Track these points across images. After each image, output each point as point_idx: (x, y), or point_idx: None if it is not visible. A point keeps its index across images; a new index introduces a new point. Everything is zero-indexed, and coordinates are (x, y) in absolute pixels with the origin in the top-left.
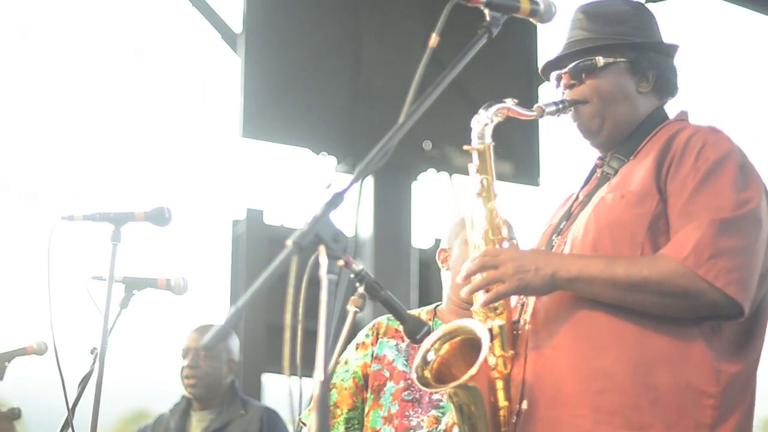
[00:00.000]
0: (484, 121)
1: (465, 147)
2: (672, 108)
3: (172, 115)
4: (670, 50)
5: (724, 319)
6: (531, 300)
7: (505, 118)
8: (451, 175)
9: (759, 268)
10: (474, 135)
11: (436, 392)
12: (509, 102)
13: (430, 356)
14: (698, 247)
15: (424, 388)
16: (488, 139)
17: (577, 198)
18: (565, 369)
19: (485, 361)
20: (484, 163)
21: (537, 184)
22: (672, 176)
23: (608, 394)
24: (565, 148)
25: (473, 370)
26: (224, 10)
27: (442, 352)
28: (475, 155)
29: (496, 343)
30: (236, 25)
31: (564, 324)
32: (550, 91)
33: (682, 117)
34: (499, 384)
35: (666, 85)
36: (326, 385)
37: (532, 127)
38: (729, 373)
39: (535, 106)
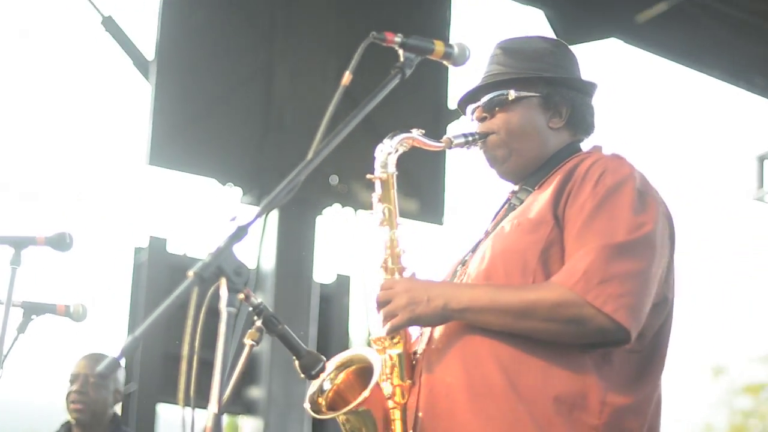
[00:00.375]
0: (387, 150)
1: (368, 176)
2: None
3: (77, 138)
4: (588, 88)
5: (611, 346)
6: (428, 330)
7: (410, 148)
8: (356, 210)
9: (652, 293)
10: (377, 164)
11: (327, 419)
12: (415, 132)
13: (326, 386)
14: (588, 272)
15: (315, 416)
16: (391, 169)
17: (486, 230)
18: (455, 398)
19: (380, 389)
20: (387, 193)
21: (441, 223)
22: (571, 203)
23: (497, 422)
24: (472, 189)
25: (363, 395)
26: (138, 36)
27: (337, 381)
28: (378, 184)
29: (395, 372)
30: (149, 52)
31: (454, 353)
32: (459, 130)
33: (594, 150)
34: (397, 414)
35: (580, 122)
36: (219, 417)
37: (438, 165)
38: (614, 405)
39: (444, 137)
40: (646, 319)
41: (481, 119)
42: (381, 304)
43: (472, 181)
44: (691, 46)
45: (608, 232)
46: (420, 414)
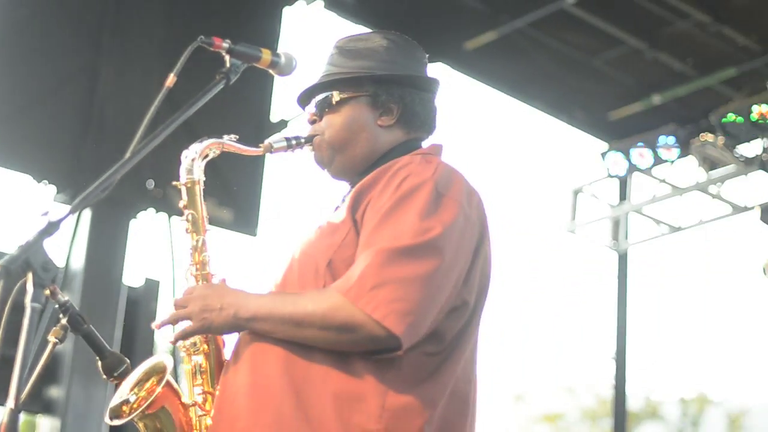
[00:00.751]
0: (192, 156)
1: (174, 183)
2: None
3: None
4: (425, 84)
5: (385, 353)
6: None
7: (230, 158)
8: (170, 216)
9: (435, 299)
10: (182, 169)
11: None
12: (226, 138)
13: (131, 398)
14: (362, 277)
15: (110, 423)
16: (197, 175)
17: None
18: (239, 402)
19: (174, 392)
20: (193, 199)
21: (255, 234)
22: (371, 207)
23: (272, 429)
24: (290, 199)
25: (152, 398)
26: None
27: (142, 393)
28: (183, 190)
29: (205, 379)
30: None
31: (245, 358)
32: (282, 134)
33: (430, 151)
34: (209, 421)
35: (412, 119)
36: (16, 414)
37: (255, 175)
38: (395, 407)
39: (265, 142)
40: (443, 323)
41: (312, 122)
42: (177, 309)
43: (292, 192)
44: (516, 76)
45: (392, 237)
46: (210, 419)
